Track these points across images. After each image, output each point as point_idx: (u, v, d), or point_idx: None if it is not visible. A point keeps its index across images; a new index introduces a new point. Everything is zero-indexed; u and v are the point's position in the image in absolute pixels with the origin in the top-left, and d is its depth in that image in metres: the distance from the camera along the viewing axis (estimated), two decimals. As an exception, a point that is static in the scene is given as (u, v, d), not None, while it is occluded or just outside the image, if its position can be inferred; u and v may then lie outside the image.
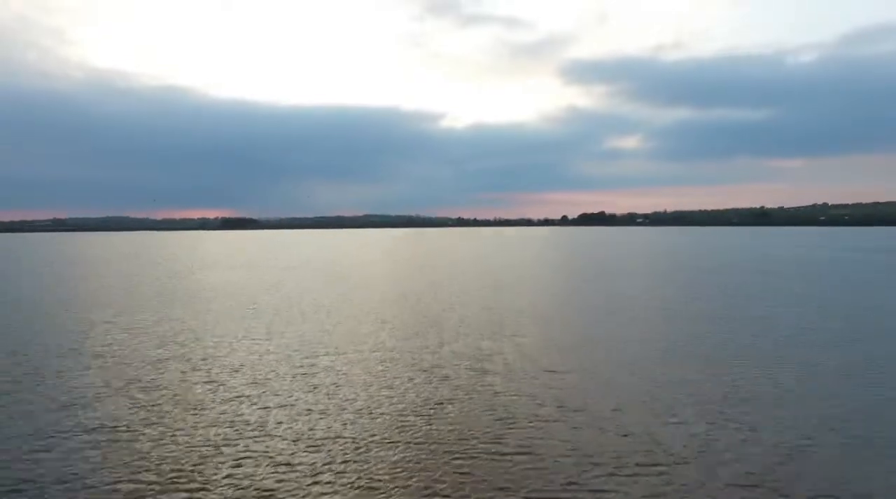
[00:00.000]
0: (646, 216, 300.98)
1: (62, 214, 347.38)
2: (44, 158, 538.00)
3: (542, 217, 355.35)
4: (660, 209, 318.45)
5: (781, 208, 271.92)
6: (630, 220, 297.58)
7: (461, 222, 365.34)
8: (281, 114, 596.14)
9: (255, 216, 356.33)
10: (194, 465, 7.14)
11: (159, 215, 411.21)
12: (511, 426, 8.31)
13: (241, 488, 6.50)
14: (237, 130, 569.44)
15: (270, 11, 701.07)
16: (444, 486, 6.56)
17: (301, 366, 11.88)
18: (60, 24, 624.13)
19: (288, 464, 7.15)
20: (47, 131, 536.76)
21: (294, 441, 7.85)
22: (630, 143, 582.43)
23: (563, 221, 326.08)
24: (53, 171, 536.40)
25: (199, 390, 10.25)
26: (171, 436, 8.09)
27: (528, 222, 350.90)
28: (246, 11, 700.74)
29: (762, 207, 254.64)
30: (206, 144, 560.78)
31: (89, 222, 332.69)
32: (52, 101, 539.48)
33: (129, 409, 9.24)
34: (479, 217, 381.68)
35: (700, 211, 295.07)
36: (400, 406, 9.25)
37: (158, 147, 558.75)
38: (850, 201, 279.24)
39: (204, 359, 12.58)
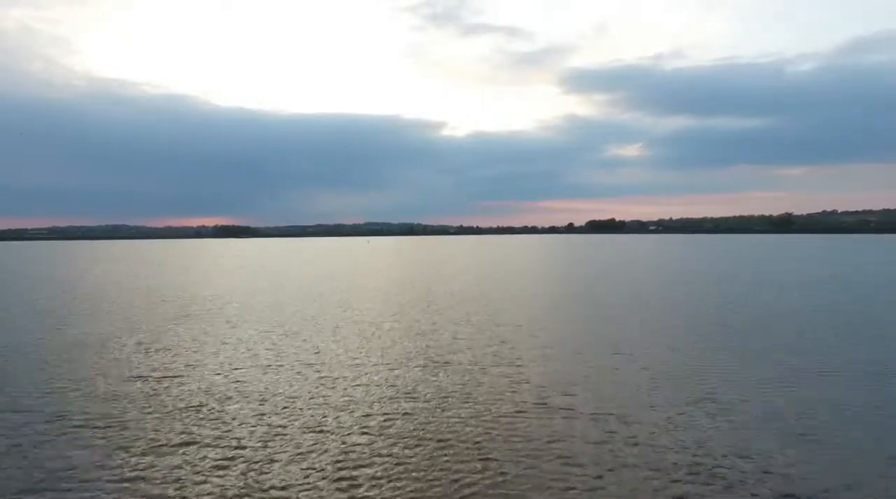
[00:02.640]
0: (658, 224, 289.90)
1: (61, 223, 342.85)
2: (44, 166, 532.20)
3: (544, 225, 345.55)
4: (664, 217, 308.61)
5: (791, 215, 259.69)
6: (641, 227, 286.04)
7: (462, 230, 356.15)
8: (282, 122, 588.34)
9: (256, 224, 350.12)
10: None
11: (159, 223, 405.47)
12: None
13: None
14: (239, 139, 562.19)
15: (273, 21, 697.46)
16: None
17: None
18: (65, 34, 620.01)
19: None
20: (49, 140, 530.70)
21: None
22: (631, 151, 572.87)
23: (570, 229, 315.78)
24: (54, 179, 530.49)
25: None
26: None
27: (532, 230, 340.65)
28: (248, 20, 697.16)
29: (788, 214, 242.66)
30: (208, 152, 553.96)
31: (87, 231, 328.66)
32: (54, 111, 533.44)
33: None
34: (481, 225, 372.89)
35: (717, 218, 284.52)
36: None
37: (159, 155, 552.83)
38: (859, 208, 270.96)
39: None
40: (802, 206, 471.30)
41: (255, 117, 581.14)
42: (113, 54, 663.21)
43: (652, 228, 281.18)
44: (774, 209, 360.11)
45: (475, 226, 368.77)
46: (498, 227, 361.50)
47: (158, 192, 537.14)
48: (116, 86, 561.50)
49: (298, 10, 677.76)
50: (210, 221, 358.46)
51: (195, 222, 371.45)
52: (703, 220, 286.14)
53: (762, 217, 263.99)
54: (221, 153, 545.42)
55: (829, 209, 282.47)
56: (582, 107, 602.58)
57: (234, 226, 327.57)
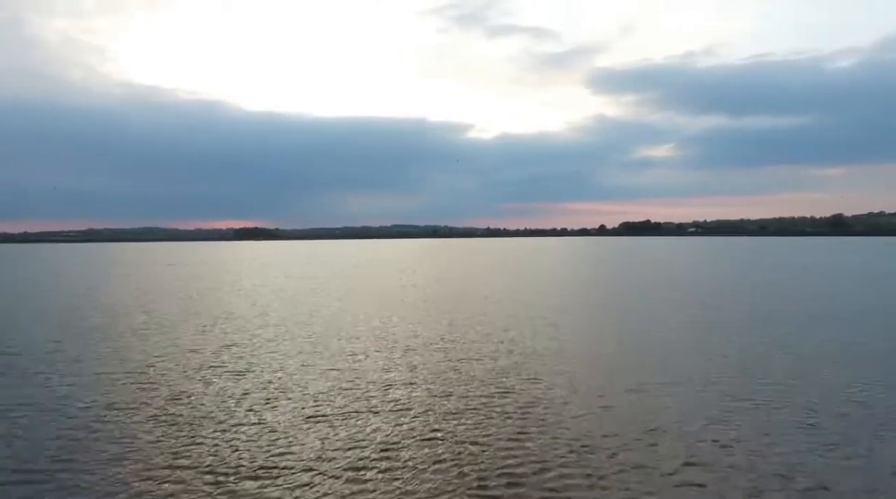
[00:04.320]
0: (695, 225, 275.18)
1: (97, 225, 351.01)
2: (82, 171, 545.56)
3: (574, 227, 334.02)
4: (698, 219, 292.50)
5: (843, 216, 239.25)
6: (679, 230, 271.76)
7: (490, 233, 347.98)
8: (311, 125, 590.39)
9: (284, 227, 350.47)
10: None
11: (190, 226, 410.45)
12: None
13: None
14: (268, 142, 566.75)
15: (300, 26, 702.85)
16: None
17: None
18: (102, 42, 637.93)
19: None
20: (88, 146, 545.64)
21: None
22: (661, 152, 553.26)
23: (603, 231, 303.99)
24: (90, 183, 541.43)
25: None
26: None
27: (562, 232, 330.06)
28: (277, 26, 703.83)
29: (840, 215, 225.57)
30: (238, 155, 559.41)
31: (120, 233, 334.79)
32: (92, 117, 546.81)
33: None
34: (509, 227, 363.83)
35: (756, 220, 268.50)
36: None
37: (191, 159, 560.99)
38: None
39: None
40: (845, 207, 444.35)
41: (284, 121, 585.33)
42: (146, 61, 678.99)
43: (690, 230, 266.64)
44: (815, 211, 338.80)
45: (503, 228, 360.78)
46: (526, 229, 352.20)
47: (190, 195, 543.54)
48: (150, 92, 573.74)
49: (325, 14, 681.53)
50: (239, 224, 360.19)
51: (224, 225, 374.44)
52: (742, 221, 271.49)
53: (804, 219, 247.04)
54: (251, 157, 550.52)
55: (875, 210, 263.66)
56: (611, 107, 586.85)
57: (255, 228, 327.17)
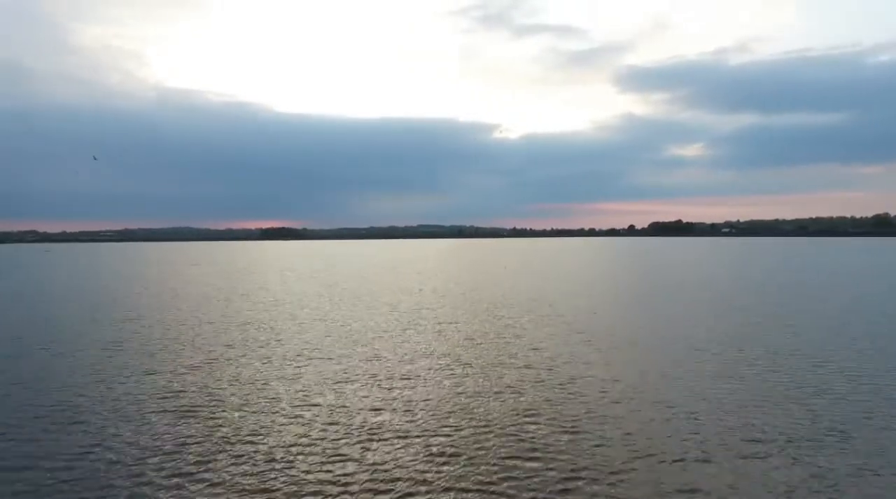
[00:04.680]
0: (729, 225, 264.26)
1: (132, 225, 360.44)
2: (118, 173, 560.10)
3: (602, 227, 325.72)
4: (730, 219, 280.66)
5: (880, 216, 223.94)
6: (713, 230, 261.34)
7: (516, 233, 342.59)
8: (338, 126, 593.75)
9: (313, 227, 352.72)
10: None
11: (221, 226, 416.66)
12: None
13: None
14: (299, 144, 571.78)
15: (329, 28, 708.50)
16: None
17: None
18: (139, 48, 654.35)
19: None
20: (122, 148, 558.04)
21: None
22: (691, 151, 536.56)
23: (632, 232, 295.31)
24: (126, 185, 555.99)
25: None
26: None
27: (590, 232, 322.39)
28: (307, 30, 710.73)
29: (886, 215, 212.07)
30: (268, 156, 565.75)
31: (153, 233, 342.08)
32: (129, 121, 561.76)
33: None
34: (535, 228, 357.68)
35: (792, 220, 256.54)
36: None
37: (223, 161, 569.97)
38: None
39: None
40: (887, 206, 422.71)
41: (312, 123, 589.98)
42: (180, 66, 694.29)
43: (724, 230, 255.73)
44: (854, 210, 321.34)
45: (529, 228, 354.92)
46: (553, 229, 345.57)
47: (221, 196, 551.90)
48: (183, 95, 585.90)
49: (352, 16, 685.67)
50: (267, 224, 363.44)
51: (254, 225, 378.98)
52: (777, 221, 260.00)
53: (845, 219, 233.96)
54: (282, 158, 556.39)
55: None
56: (639, 106, 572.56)
57: (283, 228, 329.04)
